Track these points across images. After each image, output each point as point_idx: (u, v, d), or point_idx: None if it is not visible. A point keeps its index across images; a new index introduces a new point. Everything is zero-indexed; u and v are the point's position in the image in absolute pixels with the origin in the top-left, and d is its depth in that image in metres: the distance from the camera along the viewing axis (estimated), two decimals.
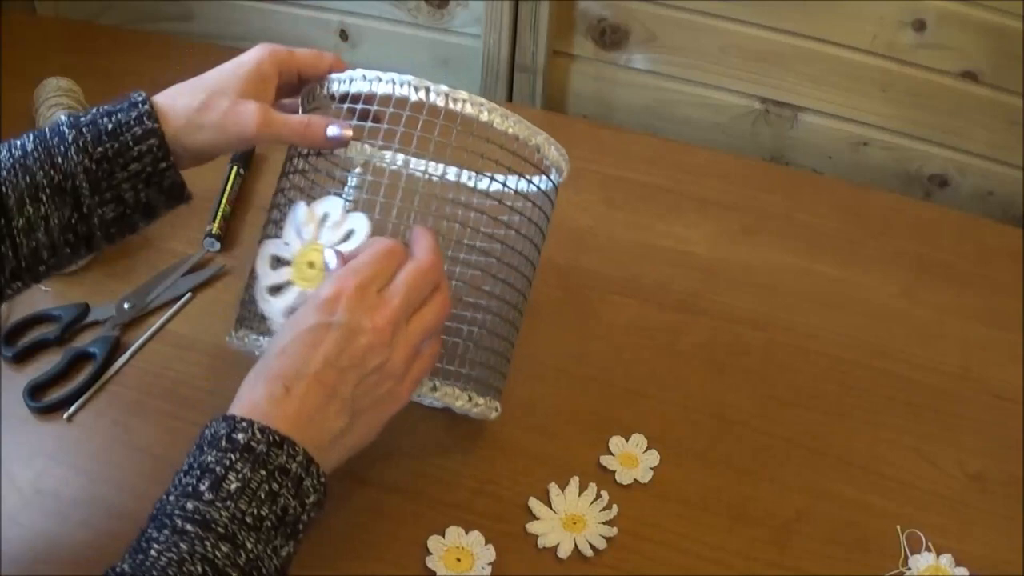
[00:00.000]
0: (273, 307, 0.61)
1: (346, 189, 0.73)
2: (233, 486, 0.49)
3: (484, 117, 0.62)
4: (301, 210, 0.62)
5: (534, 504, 0.68)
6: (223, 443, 0.50)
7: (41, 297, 0.81)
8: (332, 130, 0.61)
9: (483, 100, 0.62)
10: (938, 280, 0.91)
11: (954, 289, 0.90)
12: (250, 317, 0.67)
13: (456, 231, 0.69)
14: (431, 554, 0.65)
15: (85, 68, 1.04)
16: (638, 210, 0.96)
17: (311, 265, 0.61)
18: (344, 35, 1.17)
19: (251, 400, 0.53)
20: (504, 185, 0.66)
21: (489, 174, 0.65)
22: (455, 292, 0.67)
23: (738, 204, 0.98)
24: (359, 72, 0.64)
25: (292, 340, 0.55)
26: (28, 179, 0.55)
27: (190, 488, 0.49)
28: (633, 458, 0.72)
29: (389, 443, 0.70)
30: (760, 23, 1.02)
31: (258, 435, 0.51)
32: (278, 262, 0.62)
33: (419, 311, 0.58)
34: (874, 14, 0.97)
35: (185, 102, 0.60)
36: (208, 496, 0.48)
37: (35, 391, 0.73)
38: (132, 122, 0.58)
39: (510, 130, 0.63)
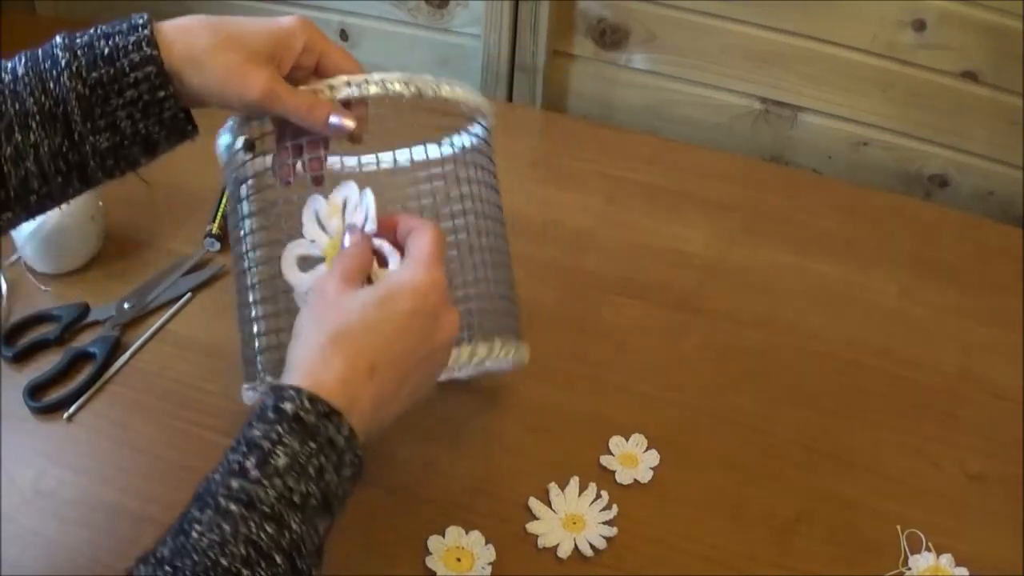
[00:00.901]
0: None
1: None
2: (281, 462, 0.46)
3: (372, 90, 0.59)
4: (320, 203, 0.60)
5: (534, 504, 0.68)
6: (269, 414, 0.47)
7: (41, 297, 0.81)
8: (334, 119, 0.58)
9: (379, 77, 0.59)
10: (938, 280, 0.91)
11: (954, 289, 0.90)
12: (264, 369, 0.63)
13: (423, 206, 0.70)
14: (431, 554, 0.65)
15: None
16: (638, 210, 0.96)
17: None
18: (344, 35, 1.17)
19: (325, 371, 0.50)
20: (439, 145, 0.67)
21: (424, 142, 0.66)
22: (456, 259, 0.67)
23: (738, 204, 0.98)
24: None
25: (383, 319, 0.52)
26: (17, 106, 0.53)
27: (236, 465, 0.46)
28: (633, 458, 0.72)
29: (390, 443, 0.70)
30: (760, 23, 1.02)
31: (307, 405, 0.48)
32: (306, 262, 0.59)
33: None
34: (874, 14, 0.97)
35: (194, 39, 0.55)
36: (255, 474, 0.45)
37: (35, 391, 0.73)
38: (130, 47, 0.54)
39: (405, 92, 0.60)
